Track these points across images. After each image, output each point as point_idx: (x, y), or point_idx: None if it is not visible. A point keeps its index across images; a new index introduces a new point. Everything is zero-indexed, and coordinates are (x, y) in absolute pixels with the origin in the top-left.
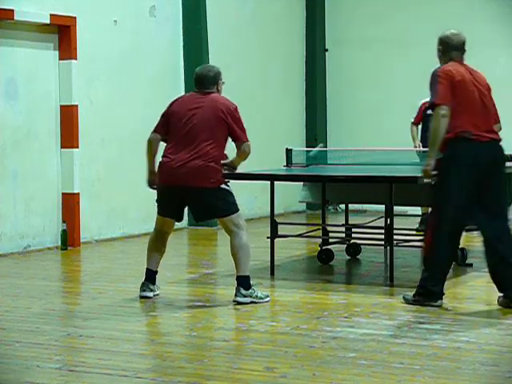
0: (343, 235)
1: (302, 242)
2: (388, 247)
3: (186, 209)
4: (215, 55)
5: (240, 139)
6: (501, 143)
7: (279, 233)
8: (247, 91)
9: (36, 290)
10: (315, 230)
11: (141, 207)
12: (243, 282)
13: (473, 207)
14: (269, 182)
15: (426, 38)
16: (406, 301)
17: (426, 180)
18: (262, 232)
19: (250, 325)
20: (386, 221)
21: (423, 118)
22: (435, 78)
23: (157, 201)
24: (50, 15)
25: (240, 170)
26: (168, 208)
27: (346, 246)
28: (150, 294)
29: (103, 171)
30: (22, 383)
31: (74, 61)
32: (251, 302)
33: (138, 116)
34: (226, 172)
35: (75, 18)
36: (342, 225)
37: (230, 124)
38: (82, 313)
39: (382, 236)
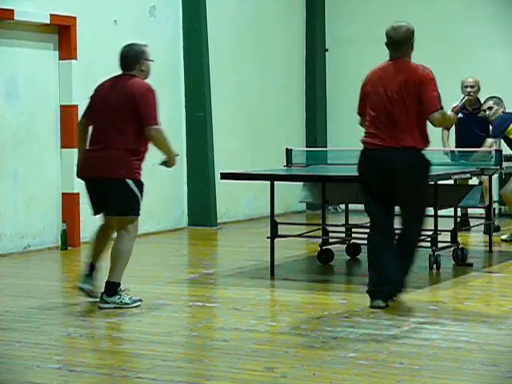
0: (343, 235)
1: (302, 242)
2: None
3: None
4: (215, 55)
5: (145, 123)
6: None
7: (279, 233)
8: (247, 91)
9: (36, 290)
10: (315, 230)
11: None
12: (109, 288)
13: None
14: (269, 182)
15: (425, 38)
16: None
17: None
18: (262, 232)
19: (250, 325)
20: None
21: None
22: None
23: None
24: (50, 15)
25: (240, 169)
26: (94, 202)
27: (345, 245)
28: (87, 287)
29: None
30: (21, 383)
31: (73, 61)
32: (116, 308)
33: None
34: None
35: (75, 17)
36: (342, 225)
37: (137, 107)
38: (82, 313)
39: None
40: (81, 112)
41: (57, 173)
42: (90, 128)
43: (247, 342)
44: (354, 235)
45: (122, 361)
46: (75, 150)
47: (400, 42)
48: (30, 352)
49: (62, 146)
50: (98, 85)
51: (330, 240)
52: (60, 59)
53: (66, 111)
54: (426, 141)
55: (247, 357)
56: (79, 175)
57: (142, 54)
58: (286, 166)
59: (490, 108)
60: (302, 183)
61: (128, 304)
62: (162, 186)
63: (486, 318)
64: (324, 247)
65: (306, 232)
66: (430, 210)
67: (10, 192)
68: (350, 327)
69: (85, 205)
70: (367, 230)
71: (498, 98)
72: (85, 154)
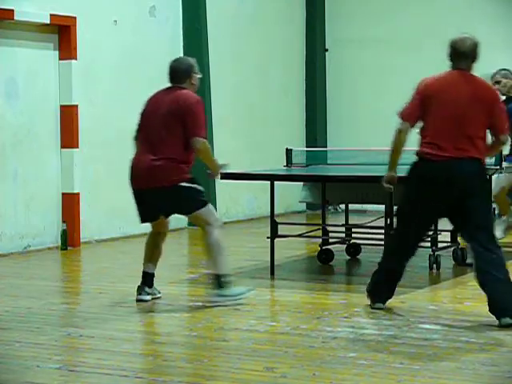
0: (343, 235)
1: (302, 242)
2: None
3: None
4: (215, 55)
5: (190, 134)
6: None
7: (279, 233)
8: (247, 91)
9: (36, 290)
10: (315, 230)
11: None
12: (217, 281)
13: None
14: (269, 182)
15: (425, 39)
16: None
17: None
18: (262, 232)
19: (250, 325)
20: (385, 221)
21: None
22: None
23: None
24: (50, 15)
25: (240, 169)
26: (143, 211)
27: (345, 246)
28: (147, 298)
29: (103, 171)
30: (21, 383)
31: (74, 61)
32: (229, 300)
33: (138, 116)
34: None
35: (75, 17)
36: (342, 225)
37: (184, 118)
38: (82, 313)
39: (382, 236)
40: (81, 112)
41: (57, 173)
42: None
43: (247, 341)
44: (353, 235)
45: (121, 361)
46: (75, 150)
47: (466, 53)
48: (30, 352)
49: (62, 146)
50: (148, 98)
51: (330, 240)
52: (60, 59)
53: (66, 111)
54: (484, 153)
55: (247, 357)
56: (132, 186)
57: (192, 68)
58: (286, 165)
59: (497, 82)
60: (302, 183)
61: (242, 293)
62: None
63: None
64: (324, 247)
65: (306, 232)
66: None
67: (10, 192)
68: (349, 327)
69: (85, 205)
70: (367, 230)
71: (508, 70)
72: (135, 165)
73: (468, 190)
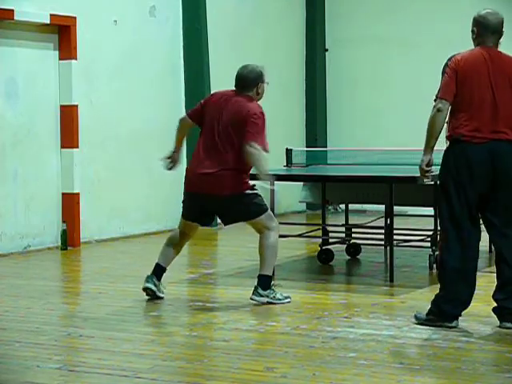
0: (343, 235)
1: (302, 242)
2: (388, 247)
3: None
4: (215, 55)
5: (248, 137)
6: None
7: (279, 233)
8: None
9: (36, 290)
10: (315, 230)
11: (141, 207)
12: (262, 282)
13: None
14: (269, 182)
15: (425, 38)
16: (418, 320)
17: (425, 180)
18: None
19: (250, 325)
20: (385, 221)
21: None
22: (444, 68)
23: (182, 202)
24: (50, 15)
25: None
26: (191, 212)
27: (345, 246)
28: (153, 287)
29: (103, 171)
30: (21, 383)
31: (73, 61)
32: (268, 303)
33: (138, 116)
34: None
35: (75, 17)
36: (342, 225)
37: (245, 127)
38: (82, 313)
39: (382, 236)
40: (81, 112)
41: (57, 173)
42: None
43: (247, 341)
44: (353, 235)
45: (121, 361)
46: (75, 150)
47: (496, 29)
48: (29, 352)
49: (62, 146)
50: (212, 93)
51: (330, 240)
52: (60, 59)
53: (66, 111)
54: None
55: (247, 357)
56: (187, 189)
57: (261, 77)
58: (286, 166)
59: None
60: (302, 183)
61: (280, 300)
62: (161, 187)
63: (485, 317)
64: (324, 247)
65: (306, 232)
66: (430, 210)
67: (10, 192)
68: (349, 327)
69: (85, 205)
70: (367, 230)
71: None
72: (194, 169)
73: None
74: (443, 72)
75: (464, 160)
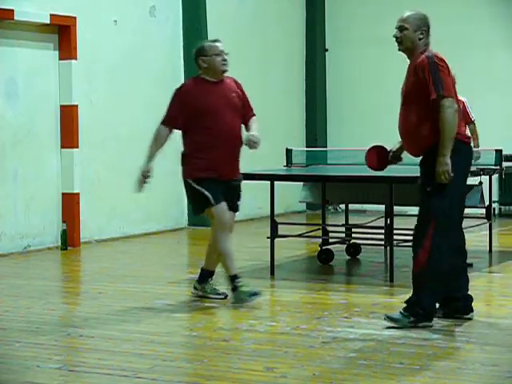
0: (343, 235)
1: (302, 242)
2: (388, 247)
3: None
4: None
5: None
6: None
7: (279, 233)
8: (247, 91)
9: (36, 290)
10: (315, 230)
11: (141, 207)
12: (199, 275)
13: None
14: (269, 182)
15: None
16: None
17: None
18: (262, 232)
19: (250, 325)
20: (386, 221)
21: None
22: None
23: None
24: (50, 15)
25: (240, 169)
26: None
27: (345, 246)
28: (194, 291)
29: (103, 171)
30: (21, 383)
31: (73, 61)
32: (202, 297)
33: (138, 116)
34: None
35: (75, 17)
36: (342, 225)
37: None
38: (82, 313)
39: (382, 236)
40: (81, 112)
41: (57, 173)
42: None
43: (247, 341)
44: (353, 235)
45: (121, 361)
46: (75, 150)
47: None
48: (29, 352)
49: (62, 146)
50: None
51: (330, 240)
52: (60, 59)
53: (66, 111)
54: None
55: (247, 357)
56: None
57: (197, 52)
58: (286, 166)
59: None
60: (302, 183)
61: (211, 296)
62: (161, 187)
63: (486, 317)
64: (324, 247)
65: (306, 232)
66: None
67: (10, 192)
68: (349, 327)
69: (85, 205)
70: (367, 230)
71: None
72: (222, 157)
73: None
74: (434, 68)
75: (471, 159)
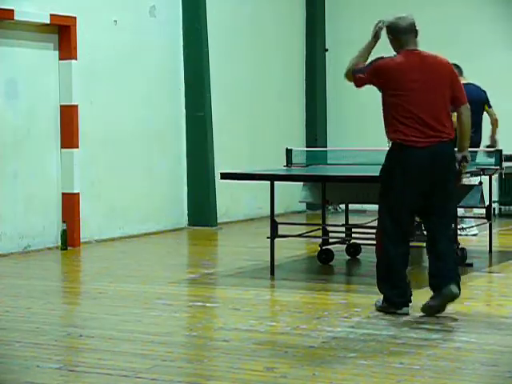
0: (343, 235)
1: (302, 242)
2: None
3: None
4: (215, 55)
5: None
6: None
7: (279, 233)
8: (247, 91)
9: (36, 290)
10: (315, 230)
11: (141, 207)
12: None
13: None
14: (269, 182)
15: (425, 39)
16: (376, 307)
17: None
18: (262, 232)
19: (250, 325)
20: None
21: None
22: None
23: None
24: (50, 15)
25: (240, 170)
26: None
27: (345, 246)
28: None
29: (103, 171)
30: (21, 383)
31: (74, 61)
32: None
33: (138, 116)
34: None
35: (75, 17)
36: (342, 225)
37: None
38: (82, 313)
39: None
40: (81, 112)
41: (57, 173)
42: None
43: (247, 341)
44: (353, 235)
45: (121, 361)
46: (75, 150)
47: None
48: (30, 352)
49: (62, 146)
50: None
51: (330, 240)
52: (60, 59)
53: (66, 111)
54: None
55: (247, 357)
56: None
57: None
58: (286, 166)
59: None
60: (301, 183)
61: None
62: (161, 187)
63: (486, 317)
64: (324, 247)
65: (306, 232)
66: None
67: (10, 192)
68: (349, 327)
69: (85, 205)
70: (367, 230)
71: (457, 66)
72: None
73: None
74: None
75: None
